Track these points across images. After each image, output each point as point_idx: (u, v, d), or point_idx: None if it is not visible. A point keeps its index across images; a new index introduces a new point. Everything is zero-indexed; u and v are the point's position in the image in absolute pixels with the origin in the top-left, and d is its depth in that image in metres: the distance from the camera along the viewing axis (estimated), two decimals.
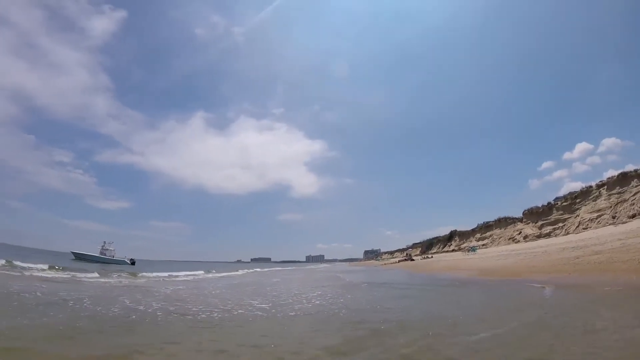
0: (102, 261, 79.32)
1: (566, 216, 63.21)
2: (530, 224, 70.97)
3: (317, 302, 15.54)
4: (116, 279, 26.28)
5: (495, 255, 43.69)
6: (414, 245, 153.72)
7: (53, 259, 58.04)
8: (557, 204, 67.84)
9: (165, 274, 35.45)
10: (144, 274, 33.80)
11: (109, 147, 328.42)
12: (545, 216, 68.87)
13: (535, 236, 65.77)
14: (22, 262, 28.68)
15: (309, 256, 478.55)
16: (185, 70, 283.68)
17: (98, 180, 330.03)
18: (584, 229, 53.97)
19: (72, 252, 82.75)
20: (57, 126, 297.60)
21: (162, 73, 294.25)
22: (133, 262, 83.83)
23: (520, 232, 71.20)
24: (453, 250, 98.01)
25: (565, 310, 10.64)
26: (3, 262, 26.58)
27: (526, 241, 64.55)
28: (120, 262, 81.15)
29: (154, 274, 33.77)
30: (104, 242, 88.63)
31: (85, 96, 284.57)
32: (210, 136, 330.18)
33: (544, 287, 15.55)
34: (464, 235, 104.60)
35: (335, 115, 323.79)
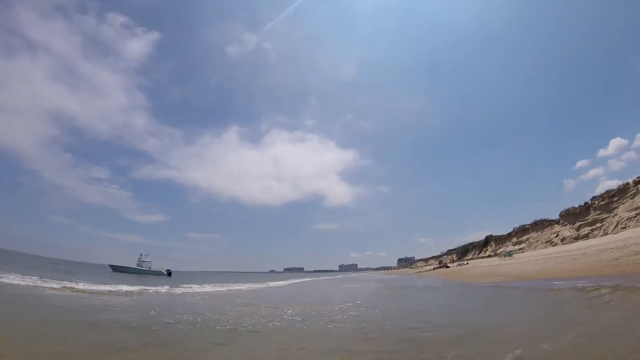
0: (139, 272, 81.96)
1: (604, 216, 60.82)
2: (568, 226, 68.58)
3: (353, 313, 15.92)
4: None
5: (533, 259, 42.51)
6: (449, 252, 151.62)
7: (92, 271, 60.29)
8: (594, 203, 65.33)
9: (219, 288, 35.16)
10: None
11: (146, 162, 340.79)
12: (583, 217, 66.48)
13: (573, 238, 63.54)
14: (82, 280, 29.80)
15: (342, 265, 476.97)
16: (219, 86, 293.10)
17: (134, 195, 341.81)
18: (622, 228, 51.67)
19: (110, 265, 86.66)
20: (96, 145, 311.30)
21: (197, 90, 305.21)
22: (169, 273, 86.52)
23: (558, 235, 68.82)
24: (489, 256, 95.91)
25: (613, 317, 9.56)
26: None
27: (564, 243, 62.04)
28: (157, 273, 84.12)
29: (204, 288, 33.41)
30: (141, 254, 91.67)
31: (124, 116, 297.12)
32: (244, 149, 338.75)
33: (594, 289, 14.62)
34: (500, 240, 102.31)
35: (367, 124, 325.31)
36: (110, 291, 22.65)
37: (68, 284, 23.13)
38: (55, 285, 22.14)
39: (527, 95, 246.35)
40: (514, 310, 13.34)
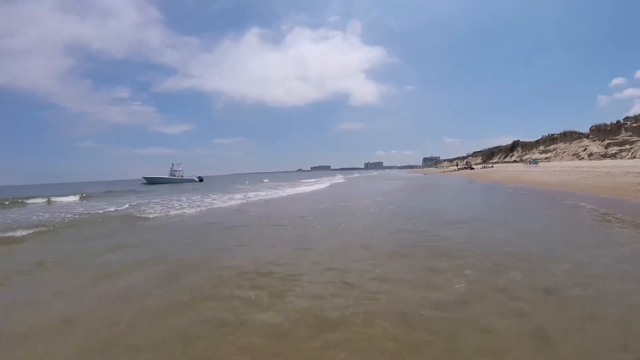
0: (173, 182, 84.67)
1: (634, 138, 59.34)
2: (597, 142, 67.26)
3: (373, 210, 17.18)
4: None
5: (558, 170, 40.89)
6: (475, 154, 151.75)
7: (126, 185, 63.60)
8: (626, 123, 63.29)
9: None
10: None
11: (167, 75, 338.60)
12: (613, 135, 64.83)
13: (601, 155, 62.72)
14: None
15: (367, 163, 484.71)
16: None
17: (158, 109, 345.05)
18: None
19: (144, 177, 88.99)
20: (114, 65, 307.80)
21: None
22: (201, 180, 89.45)
23: (586, 149, 67.73)
24: (514, 161, 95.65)
25: None
26: None
27: (590, 159, 61.68)
28: (189, 181, 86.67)
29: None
30: (172, 164, 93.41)
31: (138, 32, 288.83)
32: (266, 51, 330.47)
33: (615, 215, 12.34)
34: (527, 146, 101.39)
35: (396, 20, 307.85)
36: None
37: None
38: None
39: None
40: (529, 220, 12.62)
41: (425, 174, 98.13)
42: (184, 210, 20.29)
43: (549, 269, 6.55)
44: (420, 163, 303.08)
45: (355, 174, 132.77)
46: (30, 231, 13.90)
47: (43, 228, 14.86)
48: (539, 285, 5.76)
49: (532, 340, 4.11)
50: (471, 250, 8.14)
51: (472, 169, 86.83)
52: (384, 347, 4.14)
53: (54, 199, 34.87)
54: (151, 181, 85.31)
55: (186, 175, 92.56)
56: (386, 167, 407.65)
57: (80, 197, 37.02)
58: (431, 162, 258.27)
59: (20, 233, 13.34)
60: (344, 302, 5.48)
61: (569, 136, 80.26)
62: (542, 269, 6.59)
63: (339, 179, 72.30)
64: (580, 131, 77.27)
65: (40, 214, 21.73)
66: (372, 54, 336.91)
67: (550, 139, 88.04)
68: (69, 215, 19.96)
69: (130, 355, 4.24)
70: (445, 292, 5.66)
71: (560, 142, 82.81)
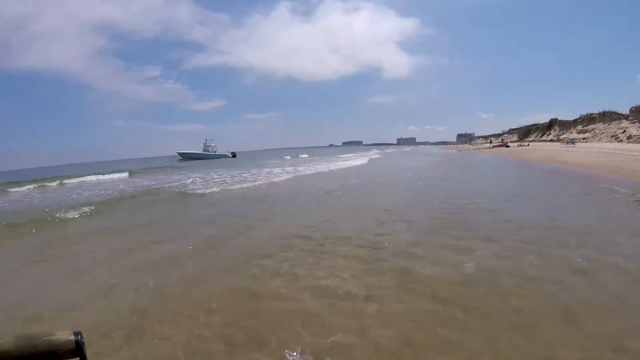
0: (206, 157, 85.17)
1: None
2: (637, 124, 65.76)
3: (401, 187, 18.56)
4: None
5: (595, 151, 40.35)
6: (511, 131, 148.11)
7: (162, 162, 65.48)
8: None
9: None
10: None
11: (197, 52, 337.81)
12: None
13: None
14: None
15: (400, 139, 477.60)
16: None
17: (190, 86, 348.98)
18: None
19: (178, 153, 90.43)
20: (144, 44, 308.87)
21: None
22: (234, 155, 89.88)
23: (625, 131, 66.27)
24: (551, 140, 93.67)
25: None
26: None
27: (629, 142, 60.64)
28: (223, 156, 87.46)
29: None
30: (206, 139, 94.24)
31: (167, 9, 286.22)
32: (296, 24, 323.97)
33: None
34: (565, 125, 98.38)
35: None
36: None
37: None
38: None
39: None
40: (560, 200, 12.92)
41: (459, 150, 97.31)
42: (240, 185, 22.49)
43: (576, 249, 6.63)
44: (454, 139, 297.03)
45: (390, 149, 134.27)
46: (95, 206, 15.60)
47: (113, 202, 17.33)
48: (564, 264, 5.88)
49: (558, 318, 4.26)
50: (498, 227, 8.66)
51: (508, 146, 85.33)
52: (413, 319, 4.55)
53: (105, 176, 37.11)
54: (186, 157, 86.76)
55: (219, 151, 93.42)
56: (419, 143, 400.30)
57: (129, 174, 39.10)
58: (465, 138, 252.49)
59: (86, 209, 14.65)
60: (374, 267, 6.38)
61: (607, 116, 78.15)
62: (569, 248, 6.74)
63: (374, 154, 73.75)
64: (620, 112, 75.20)
65: (108, 191, 23.76)
66: (406, 25, 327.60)
67: (589, 119, 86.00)
68: (130, 191, 22.63)
69: (166, 320, 4.63)
70: (467, 267, 5.93)
71: (598, 122, 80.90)
